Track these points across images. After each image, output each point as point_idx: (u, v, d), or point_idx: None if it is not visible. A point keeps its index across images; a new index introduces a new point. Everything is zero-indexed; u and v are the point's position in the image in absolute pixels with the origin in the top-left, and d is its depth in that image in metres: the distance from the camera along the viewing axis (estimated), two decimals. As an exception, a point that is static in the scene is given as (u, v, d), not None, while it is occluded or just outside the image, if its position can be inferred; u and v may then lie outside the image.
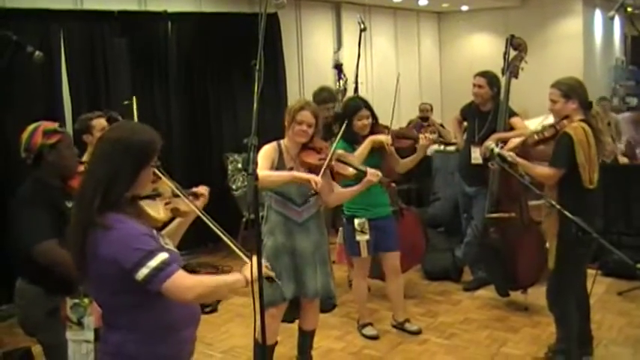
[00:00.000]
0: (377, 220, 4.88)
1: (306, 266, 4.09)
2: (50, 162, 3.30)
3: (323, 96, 5.99)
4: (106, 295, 2.36)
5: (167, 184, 2.63)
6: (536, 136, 4.21)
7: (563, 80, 4.19)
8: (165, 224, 2.69)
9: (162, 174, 2.64)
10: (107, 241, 2.23)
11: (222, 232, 2.53)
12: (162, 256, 2.24)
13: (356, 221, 4.84)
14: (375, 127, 4.89)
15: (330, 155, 4.03)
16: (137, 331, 2.34)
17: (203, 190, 2.76)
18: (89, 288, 2.49)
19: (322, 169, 3.96)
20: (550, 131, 4.15)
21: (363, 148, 4.73)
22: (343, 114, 4.95)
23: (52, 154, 3.29)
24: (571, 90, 4.10)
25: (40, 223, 3.17)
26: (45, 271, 3.18)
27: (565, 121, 4.08)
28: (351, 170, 4.16)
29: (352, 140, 4.82)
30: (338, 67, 6.65)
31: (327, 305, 4.36)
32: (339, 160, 4.13)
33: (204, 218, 2.59)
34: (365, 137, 4.82)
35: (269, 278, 2.50)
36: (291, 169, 4.04)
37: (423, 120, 8.55)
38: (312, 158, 4.07)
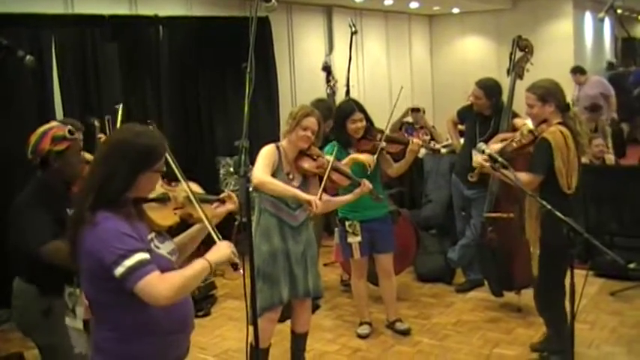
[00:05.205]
0: (370, 222, 4.85)
1: (297, 267, 4.11)
2: (55, 168, 3.27)
3: (322, 112, 5.91)
4: (92, 289, 2.38)
5: (184, 189, 2.62)
6: (514, 144, 4.10)
7: (539, 83, 4.09)
8: (183, 229, 2.72)
9: (183, 179, 2.64)
10: (92, 237, 2.26)
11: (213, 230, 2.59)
12: (140, 256, 2.24)
13: (346, 223, 4.85)
14: (370, 131, 4.85)
15: (329, 167, 4.10)
16: (118, 329, 2.36)
17: (230, 194, 2.86)
18: (81, 281, 2.51)
19: (323, 183, 4.04)
20: (528, 137, 4.06)
21: (344, 166, 4.51)
22: (336, 117, 4.93)
23: (57, 161, 3.24)
24: (547, 93, 4.01)
25: (43, 224, 3.15)
26: (43, 271, 3.17)
27: (544, 126, 4.00)
28: (346, 181, 4.30)
29: (346, 144, 4.81)
30: (327, 69, 6.53)
31: (313, 306, 4.41)
32: (334, 170, 4.18)
33: (207, 223, 2.61)
34: (359, 140, 4.81)
35: (234, 264, 2.46)
36: (288, 173, 4.08)
37: (415, 122, 8.57)
38: (307, 164, 4.12)
